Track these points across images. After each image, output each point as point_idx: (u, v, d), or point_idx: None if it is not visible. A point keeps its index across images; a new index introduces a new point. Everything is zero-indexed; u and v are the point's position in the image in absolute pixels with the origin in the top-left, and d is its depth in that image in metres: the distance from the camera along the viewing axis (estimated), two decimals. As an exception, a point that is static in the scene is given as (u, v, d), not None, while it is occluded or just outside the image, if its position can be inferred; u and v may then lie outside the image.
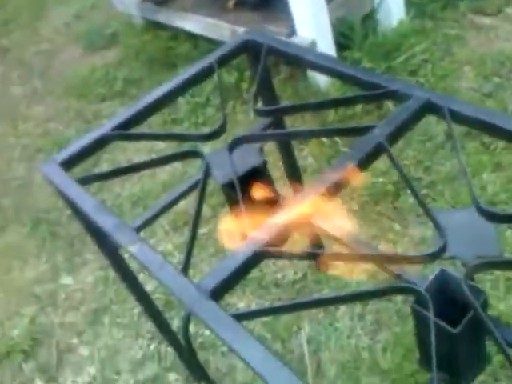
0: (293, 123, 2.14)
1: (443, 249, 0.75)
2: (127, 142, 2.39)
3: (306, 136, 1.05)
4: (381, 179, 1.89)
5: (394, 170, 1.90)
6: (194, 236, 0.88)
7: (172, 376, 1.66)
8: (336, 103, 1.02)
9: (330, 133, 0.94)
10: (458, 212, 0.80)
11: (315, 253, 0.83)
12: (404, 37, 2.20)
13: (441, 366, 0.85)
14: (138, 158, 2.30)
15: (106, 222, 0.94)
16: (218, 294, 0.79)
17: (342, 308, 1.65)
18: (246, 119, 2.24)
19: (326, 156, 2.00)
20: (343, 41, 2.19)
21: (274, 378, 0.67)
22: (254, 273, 1.80)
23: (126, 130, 1.10)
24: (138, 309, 1.83)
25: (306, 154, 2.06)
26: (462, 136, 1.89)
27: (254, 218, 1.00)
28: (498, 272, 1.57)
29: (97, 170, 2.20)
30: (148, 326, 1.78)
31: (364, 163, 0.90)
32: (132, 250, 0.88)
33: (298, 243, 1.85)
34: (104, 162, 2.34)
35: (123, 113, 1.12)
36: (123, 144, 2.39)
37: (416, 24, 2.31)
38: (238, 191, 0.90)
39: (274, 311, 0.80)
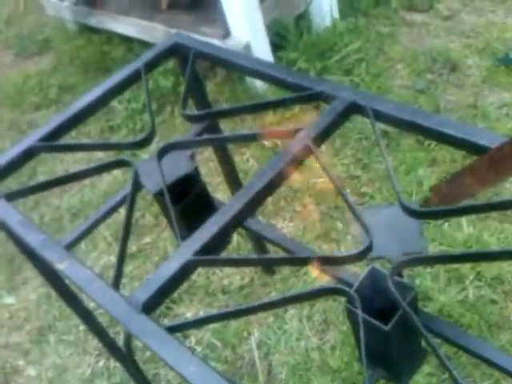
0: (234, 127, 2.14)
1: (369, 248, 0.76)
2: (64, 153, 2.33)
3: (234, 140, 1.04)
4: (321, 179, 1.90)
5: (335, 167, 1.94)
6: (123, 249, 0.85)
7: (122, 392, 1.63)
8: (267, 106, 1.01)
9: (260, 137, 0.93)
10: (384, 209, 0.81)
11: (249, 259, 0.82)
12: (338, 36, 2.23)
13: (378, 363, 0.86)
14: (77, 169, 2.25)
15: (33, 238, 0.90)
16: (150, 306, 0.77)
17: (291, 311, 1.65)
18: (184, 124, 2.22)
19: (267, 158, 2.00)
20: (278, 41, 2.20)
21: (209, 389, 0.66)
22: (201, 280, 1.79)
23: (55, 140, 1.06)
24: (83, 325, 1.78)
25: (247, 157, 2.06)
26: (397, 134, 1.93)
27: (188, 225, 0.99)
28: (437, 265, 1.61)
29: (33, 183, 2.13)
30: (95, 342, 1.74)
31: (291, 166, 0.89)
32: (60, 267, 0.85)
33: (241, 249, 1.86)
34: (40, 175, 2.27)
35: (51, 122, 1.08)
36: (60, 155, 2.33)
37: (349, 22, 2.34)
38: (166, 200, 0.88)
39: (207, 320, 0.79)
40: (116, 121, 2.34)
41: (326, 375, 1.49)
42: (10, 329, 1.88)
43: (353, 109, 0.94)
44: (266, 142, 2.03)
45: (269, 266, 1.70)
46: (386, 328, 0.76)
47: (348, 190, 1.86)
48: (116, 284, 0.81)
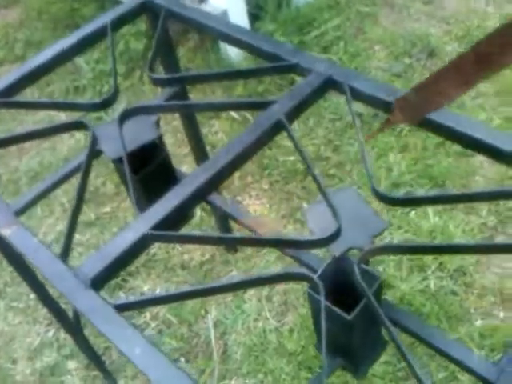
0: (203, 96, 2.07)
1: (337, 233, 0.72)
2: (24, 114, 2.23)
3: (205, 108, 0.98)
4: (291, 158, 1.85)
5: (306, 149, 1.89)
6: (75, 217, 0.79)
7: (72, 364, 1.58)
8: (239, 74, 0.95)
9: (230, 106, 0.87)
10: (337, 194, 0.77)
11: (207, 237, 0.77)
12: (317, 11, 2.16)
13: (337, 352, 0.83)
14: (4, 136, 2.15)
15: (-24, 200, 0.83)
16: (99, 281, 0.71)
17: (250, 291, 1.61)
18: (152, 90, 2.14)
19: (236, 132, 1.94)
20: (256, 12, 2.13)
21: (156, 372, 0.61)
22: (160, 254, 1.73)
23: (11, 96, 0.98)
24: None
25: (216, 130, 2.00)
26: (370, 117, 1.89)
27: (148, 196, 0.93)
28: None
29: None
30: (45, 311, 1.67)
31: (262, 141, 0.84)
32: (5, 232, 0.78)
33: (204, 223, 1.81)
34: (-2, 134, 2.16)
35: (9, 75, 1.00)
36: (20, 116, 2.22)
37: (330, -1, 2.28)
38: (125, 167, 0.82)
39: (157, 301, 0.74)
40: (82, 81, 2.24)
41: (281, 358, 1.46)
42: (-44, 294, 1.80)
43: (329, 84, 0.89)
44: (235, 115, 1.96)
45: (230, 246, 1.66)
46: (349, 317, 0.72)
47: (316, 172, 1.82)
48: (65, 255, 0.75)
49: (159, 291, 1.64)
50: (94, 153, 0.87)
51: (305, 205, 1.75)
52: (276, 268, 1.63)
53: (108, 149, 0.92)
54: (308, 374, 1.42)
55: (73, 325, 1.42)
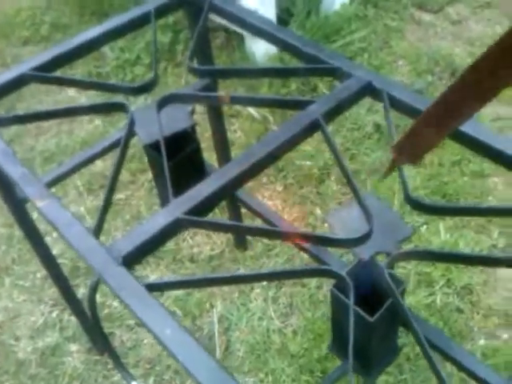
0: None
1: (368, 235, 0.73)
2: (45, 94, 2.24)
3: (241, 102, 0.99)
4: (308, 162, 1.87)
5: (322, 154, 1.90)
6: (110, 195, 0.81)
7: (73, 346, 1.58)
8: (275, 72, 0.97)
9: (267, 102, 0.88)
10: (367, 197, 0.78)
11: (239, 226, 0.78)
12: (345, 21, 2.18)
13: (353, 354, 0.83)
14: (40, 109, 2.16)
15: (14, 171, 0.84)
16: (130, 260, 0.72)
17: (257, 289, 1.62)
18: (176, 83, 2.15)
19: (255, 132, 1.96)
20: (285, 16, 2.14)
21: (184, 354, 0.62)
22: (170, 246, 1.74)
23: (47, 73, 1.00)
24: (41, 273, 1.72)
25: (235, 128, 2.01)
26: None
27: (177, 184, 0.94)
28: (409, 266, 1.60)
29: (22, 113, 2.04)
30: (51, 291, 1.68)
31: (297, 139, 0.85)
32: (40, 204, 0.79)
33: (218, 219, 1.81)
34: (18, 111, 2.17)
35: (46, 53, 1.01)
36: (40, 95, 2.24)
37: (358, 10, 2.30)
38: (163, 152, 0.83)
39: (189, 284, 0.75)
40: (105, 68, 2.25)
41: (283, 359, 1.47)
42: (-37, 266, 1.80)
43: (367, 90, 0.91)
44: (256, 114, 1.97)
45: (258, 236, 1.63)
46: (372, 319, 0.73)
47: (332, 178, 1.83)
48: (97, 232, 0.76)
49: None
50: (132, 134, 0.88)
51: (318, 211, 1.76)
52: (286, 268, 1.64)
53: (142, 133, 0.93)
54: (309, 377, 1.43)
55: (79, 305, 1.42)
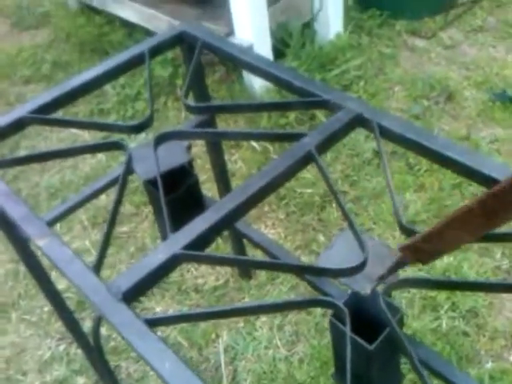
0: (226, 127, 2.11)
1: (363, 264, 0.74)
2: (49, 131, 2.28)
3: (236, 137, 1.02)
4: (309, 190, 1.89)
5: (322, 181, 1.92)
6: (110, 231, 0.82)
7: (81, 380, 1.59)
8: (270, 107, 0.99)
9: (261, 136, 0.91)
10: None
11: (237, 259, 0.79)
12: (340, 50, 2.22)
13: (355, 383, 0.84)
14: (42, 150, 2.20)
15: (14, 210, 0.86)
16: (130, 296, 0.74)
17: (262, 318, 1.63)
18: (176, 117, 2.19)
19: (256, 162, 1.98)
20: (280, 47, 2.19)
21: (183, 389, 0.63)
22: (174, 277, 1.75)
23: (46, 114, 1.03)
24: (47, 307, 1.73)
25: (236, 159, 2.04)
26: (388, 155, 1.92)
27: (175, 219, 0.95)
28: (414, 291, 1.60)
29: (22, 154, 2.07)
30: (57, 325, 1.69)
31: (292, 171, 0.87)
32: (40, 243, 0.81)
33: (220, 250, 1.83)
34: (22, 150, 2.21)
35: (45, 95, 1.04)
36: (45, 132, 2.28)
37: (353, 39, 2.34)
38: (160, 188, 0.85)
39: (189, 318, 0.76)
40: (107, 105, 2.30)
41: (290, 388, 1.47)
42: (-30, 301, 1.82)
43: (358, 121, 0.93)
44: (256, 146, 2.00)
45: (256, 269, 1.66)
46: (370, 347, 0.74)
47: (333, 205, 1.85)
48: (97, 268, 0.78)
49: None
50: (130, 172, 0.90)
51: (321, 237, 1.77)
52: (287, 298, 1.65)
53: (140, 170, 0.95)
54: (316, 405, 1.42)
55: (85, 339, 1.43)
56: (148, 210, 1.95)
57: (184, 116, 2.18)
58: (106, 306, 0.72)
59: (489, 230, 0.56)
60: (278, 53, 2.19)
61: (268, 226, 1.85)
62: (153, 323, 0.71)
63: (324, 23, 2.28)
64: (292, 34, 2.17)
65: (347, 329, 0.68)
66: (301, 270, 0.74)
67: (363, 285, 0.75)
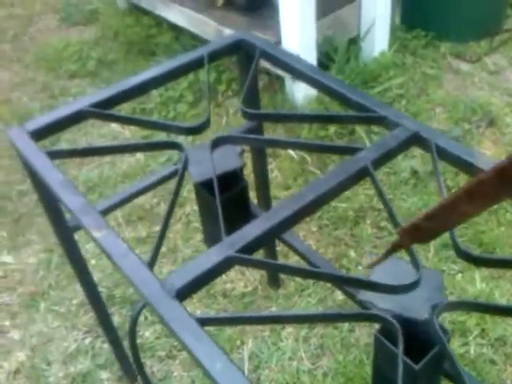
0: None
1: (416, 283, 0.74)
2: (90, 126, 2.32)
3: (290, 146, 1.03)
4: (343, 204, 1.89)
5: (358, 196, 1.92)
6: (164, 230, 0.84)
7: (104, 374, 1.60)
8: (327, 118, 1.00)
9: (316, 147, 0.92)
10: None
11: (287, 266, 0.80)
12: (384, 68, 2.22)
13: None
14: (100, 144, 2.23)
15: (71, 201, 0.88)
16: (183, 294, 0.75)
17: (288, 329, 1.63)
18: (217, 122, 2.21)
19: (293, 172, 1.99)
20: (325, 61, 2.20)
21: (233, 390, 0.64)
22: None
23: (103, 110, 1.05)
24: (77, 299, 1.76)
25: (272, 168, 2.05)
26: (427, 174, 1.92)
27: (227, 222, 0.97)
28: (444, 314, 1.59)
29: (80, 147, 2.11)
30: (85, 318, 1.71)
31: (345, 185, 0.88)
32: (97, 235, 0.83)
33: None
34: (63, 143, 2.25)
35: (104, 91, 1.07)
36: (86, 127, 2.31)
37: (397, 57, 2.34)
38: (216, 191, 0.86)
39: (239, 321, 0.77)
40: (149, 105, 2.33)
41: (313, 401, 1.47)
42: (1, 288, 1.85)
43: (415, 140, 0.93)
44: (294, 155, 2.01)
45: (303, 278, 1.64)
46: (416, 367, 0.74)
47: (368, 221, 1.85)
48: (151, 264, 0.80)
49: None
50: (186, 172, 0.92)
51: (352, 253, 1.77)
52: (317, 310, 1.65)
53: (194, 172, 0.97)
54: (339, 421, 1.42)
55: (114, 333, 1.45)
56: (182, 211, 1.97)
57: (225, 123, 2.20)
58: (159, 301, 0.73)
59: (501, 201, 0.53)
60: (322, 66, 2.20)
61: (300, 238, 1.85)
62: (203, 322, 0.72)
63: (370, 40, 2.29)
64: (337, 49, 2.18)
65: (399, 349, 0.68)
66: (354, 283, 0.75)
67: (410, 304, 0.75)
